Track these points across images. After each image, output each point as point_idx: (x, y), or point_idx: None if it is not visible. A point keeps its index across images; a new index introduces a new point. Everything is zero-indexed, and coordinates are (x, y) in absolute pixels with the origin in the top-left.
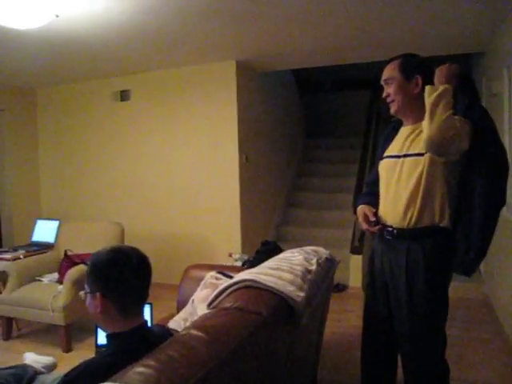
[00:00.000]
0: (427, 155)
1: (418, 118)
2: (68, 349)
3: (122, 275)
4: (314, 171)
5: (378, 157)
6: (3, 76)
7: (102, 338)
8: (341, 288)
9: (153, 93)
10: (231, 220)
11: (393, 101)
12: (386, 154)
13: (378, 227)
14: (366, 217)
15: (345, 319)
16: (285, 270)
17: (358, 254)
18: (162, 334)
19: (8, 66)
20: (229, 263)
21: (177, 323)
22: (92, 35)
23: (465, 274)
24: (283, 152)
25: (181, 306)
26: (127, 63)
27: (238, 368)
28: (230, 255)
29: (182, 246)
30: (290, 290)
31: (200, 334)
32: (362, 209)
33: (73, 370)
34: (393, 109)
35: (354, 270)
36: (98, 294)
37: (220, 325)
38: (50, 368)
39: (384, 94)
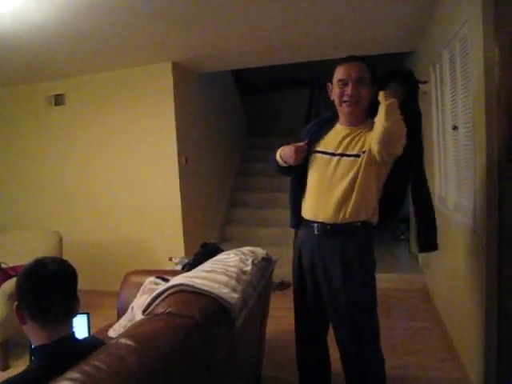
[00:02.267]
0: (364, 156)
1: (359, 122)
2: (5, 366)
3: (34, 288)
4: (256, 170)
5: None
6: None
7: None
8: (285, 285)
9: (88, 96)
10: (173, 223)
11: (358, 102)
12: (318, 149)
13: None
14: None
15: (289, 316)
16: (219, 272)
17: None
18: (92, 345)
19: None
20: (169, 267)
21: (116, 332)
22: (16, 37)
23: (432, 250)
24: (224, 152)
25: (121, 313)
26: (59, 66)
27: (170, 374)
28: (171, 259)
29: (123, 251)
30: (224, 292)
31: (129, 342)
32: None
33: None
34: (351, 109)
35: None
36: (15, 305)
37: (150, 332)
38: None
39: (351, 92)
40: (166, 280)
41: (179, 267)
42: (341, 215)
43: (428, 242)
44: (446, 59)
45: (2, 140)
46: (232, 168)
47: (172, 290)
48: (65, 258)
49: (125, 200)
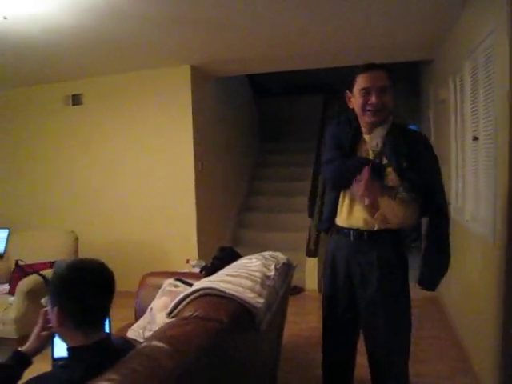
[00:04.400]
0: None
1: (373, 129)
2: None
3: (79, 292)
4: (269, 175)
5: (333, 148)
6: None
7: (58, 350)
8: (297, 291)
9: (106, 97)
10: (187, 226)
11: (382, 110)
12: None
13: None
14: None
15: (303, 321)
16: (244, 276)
17: (314, 256)
18: (124, 346)
19: None
20: (186, 270)
21: (135, 332)
22: (39, 39)
23: (431, 290)
24: (238, 156)
25: (139, 314)
26: (78, 67)
27: (201, 377)
28: (188, 261)
29: (138, 252)
30: (249, 296)
31: (162, 344)
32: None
33: (32, 380)
34: (376, 118)
35: (309, 273)
36: (55, 309)
37: (181, 334)
38: None
39: (375, 101)
40: (185, 282)
41: (197, 270)
42: (378, 222)
43: (431, 283)
44: (467, 69)
45: (19, 139)
46: (245, 172)
47: (198, 294)
48: (81, 256)
49: (140, 201)
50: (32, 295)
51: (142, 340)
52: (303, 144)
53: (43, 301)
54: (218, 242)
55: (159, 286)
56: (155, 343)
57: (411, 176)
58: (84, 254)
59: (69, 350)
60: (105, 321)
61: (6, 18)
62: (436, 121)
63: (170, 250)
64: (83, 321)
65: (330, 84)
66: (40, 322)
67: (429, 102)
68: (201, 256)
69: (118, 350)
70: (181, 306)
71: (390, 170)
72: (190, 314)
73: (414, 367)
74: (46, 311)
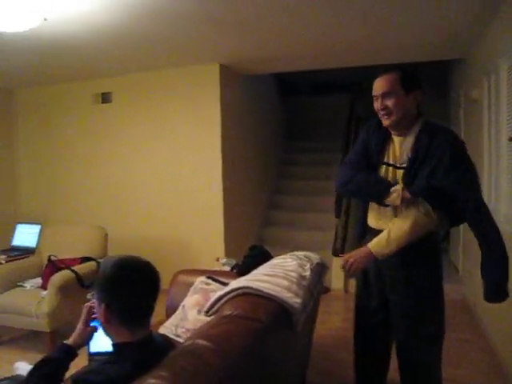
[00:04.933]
0: None
1: (406, 129)
2: None
3: (125, 291)
4: (295, 174)
5: (363, 154)
6: None
7: (94, 345)
8: (324, 290)
9: (134, 95)
10: (214, 224)
11: (390, 114)
12: (384, 160)
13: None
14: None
15: (329, 321)
16: (280, 276)
17: (340, 256)
18: (164, 343)
19: None
20: (216, 268)
21: (168, 329)
22: (76, 38)
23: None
24: (264, 155)
25: (170, 311)
26: (109, 65)
27: (244, 376)
28: (218, 260)
29: (166, 249)
30: (287, 296)
31: (206, 343)
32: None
33: (80, 373)
34: (387, 122)
35: (335, 273)
36: (102, 305)
37: (224, 333)
38: None
39: (380, 106)
40: (217, 280)
41: (227, 268)
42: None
43: (499, 291)
44: (503, 68)
45: (50, 136)
46: (271, 170)
47: (236, 293)
48: (109, 253)
49: (168, 199)
50: (64, 290)
51: (173, 336)
52: (330, 143)
53: (89, 296)
54: (244, 241)
55: (190, 284)
56: (199, 341)
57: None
58: (113, 250)
59: (114, 346)
60: (150, 318)
61: (46, 20)
62: (467, 121)
63: (197, 247)
64: (129, 318)
65: (357, 83)
66: (84, 316)
67: (459, 102)
68: (227, 254)
69: (161, 347)
70: (218, 305)
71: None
72: (230, 312)
73: (444, 371)
74: (91, 306)
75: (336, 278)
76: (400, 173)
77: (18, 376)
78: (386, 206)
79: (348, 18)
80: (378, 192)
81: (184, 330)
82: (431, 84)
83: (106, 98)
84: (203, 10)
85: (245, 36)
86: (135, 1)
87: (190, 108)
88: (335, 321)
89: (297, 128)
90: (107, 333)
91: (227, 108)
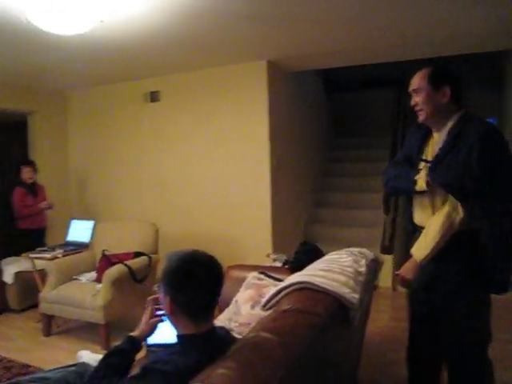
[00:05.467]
0: None
1: (442, 127)
2: (108, 346)
3: (189, 285)
4: (342, 171)
5: (407, 155)
6: (35, 78)
7: (152, 337)
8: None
9: (182, 94)
10: (262, 220)
11: (421, 110)
12: (423, 157)
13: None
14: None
15: (377, 319)
16: (336, 271)
17: (389, 253)
18: (227, 336)
19: (40, 69)
20: (266, 263)
21: (221, 323)
22: (130, 39)
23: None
24: (311, 152)
25: (222, 305)
26: (158, 65)
27: (307, 369)
28: (268, 255)
29: (214, 245)
30: (345, 291)
31: (269, 335)
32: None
33: (149, 362)
34: (421, 118)
35: (383, 270)
36: (168, 298)
37: (285, 327)
38: None
39: (412, 103)
40: (270, 276)
41: (278, 264)
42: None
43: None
44: None
45: (101, 135)
46: (318, 167)
47: (293, 288)
48: (160, 249)
49: (215, 195)
50: (117, 284)
51: None
52: (376, 139)
53: (155, 288)
54: (291, 237)
55: (242, 279)
56: (262, 334)
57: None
58: (164, 245)
59: (179, 337)
60: (213, 312)
61: (102, 22)
62: None
63: (245, 243)
64: (193, 311)
65: (403, 78)
66: (149, 308)
67: None
68: (275, 250)
69: (223, 339)
70: (276, 299)
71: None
72: (289, 307)
73: (499, 374)
74: (156, 298)
75: (383, 276)
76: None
77: (83, 364)
78: (419, 193)
79: (395, 11)
80: (407, 182)
81: (237, 324)
82: (482, 76)
83: (154, 96)
84: (250, 7)
85: (292, 32)
86: (183, 1)
87: (238, 106)
88: (383, 319)
89: (343, 125)
90: (173, 324)
91: (274, 105)
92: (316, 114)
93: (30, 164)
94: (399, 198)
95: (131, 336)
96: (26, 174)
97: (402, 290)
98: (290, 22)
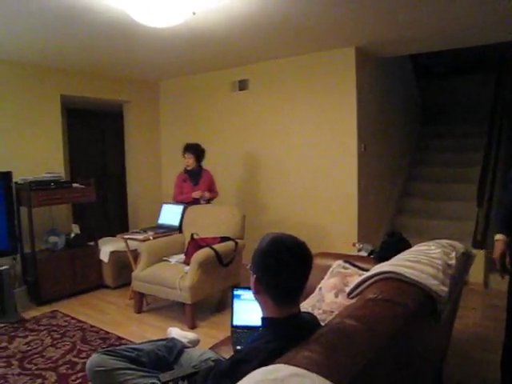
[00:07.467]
0: None
1: None
2: (193, 325)
3: (274, 267)
4: (430, 160)
5: None
6: (130, 70)
7: (237, 319)
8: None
9: (270, 82)
10: (348, 210)
11: None
12: None
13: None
14: (502, 255)
15: (466, 316)
16: (425, 263)
17: (481, 248)
18: (313, 321)
19: (135, 60)
20: (351, 252)
21: (304, 310)
22: (221, 29)
23: None
24: (399, 140)
25: (307, 292)
26: (247, 53)
27: (390, 358)
28: (354, 245)
29: (299, 233)
30: (433, 283)
31: (354, 323)
32: (501, 243)
33: (237, 352)
34: None
35: (475, 265)
36: (254, 276)
37: (371, 315)
38: (195, 343)
39: None
40: (355, 265)
41: (363, 253)
42: None
43: None
44: None
45: (190, 123)
46: (405, 156)
47: (379, 277)
48: (246, 235)
49: (301, 183)
50: (204, 266)
51: None
52: (470, 128)
53: (248, 267)
54: (377, 228)
55: (326, 267)
56: (347, 321)
57: None
58: (250, 232)
59: (263, 319)
60: (299, 298)
61: (194, 14)
62: None
63: (331, 232)
64: (277, 294)
65: (503, 59)
66: None
67: None
68: (359, 240)
69: (309, 324)
70: (361, 288)
71: None
72: (375, 296)
73: None
74: None
75: (475, 272)
76: None
77: (172, 339)
78: None
79: None
80: None
81: (321, 311)
82: None
83: (243, 85)
84: None
85: (381, 17)
86: None
87: (326, 93)
88: (472, 316)
89: (433, 112)
90: (260, 304)
91: (362, 92)
92: (405, 100)
93: (188, 150)
94: (494, 190)
95: None
96: (185, 160)
97: (495, 287)
98: (379, 6)
